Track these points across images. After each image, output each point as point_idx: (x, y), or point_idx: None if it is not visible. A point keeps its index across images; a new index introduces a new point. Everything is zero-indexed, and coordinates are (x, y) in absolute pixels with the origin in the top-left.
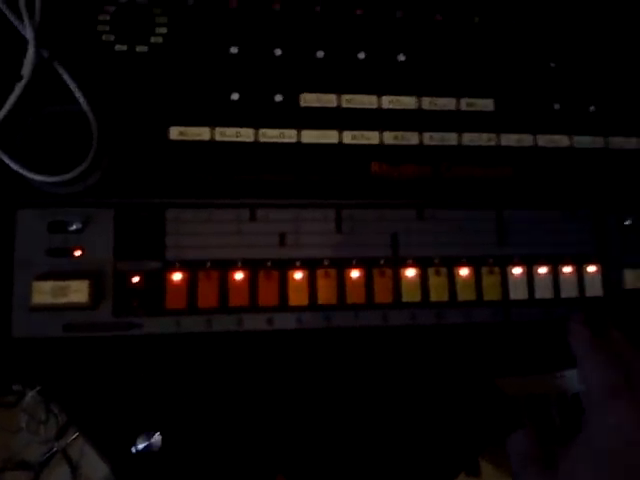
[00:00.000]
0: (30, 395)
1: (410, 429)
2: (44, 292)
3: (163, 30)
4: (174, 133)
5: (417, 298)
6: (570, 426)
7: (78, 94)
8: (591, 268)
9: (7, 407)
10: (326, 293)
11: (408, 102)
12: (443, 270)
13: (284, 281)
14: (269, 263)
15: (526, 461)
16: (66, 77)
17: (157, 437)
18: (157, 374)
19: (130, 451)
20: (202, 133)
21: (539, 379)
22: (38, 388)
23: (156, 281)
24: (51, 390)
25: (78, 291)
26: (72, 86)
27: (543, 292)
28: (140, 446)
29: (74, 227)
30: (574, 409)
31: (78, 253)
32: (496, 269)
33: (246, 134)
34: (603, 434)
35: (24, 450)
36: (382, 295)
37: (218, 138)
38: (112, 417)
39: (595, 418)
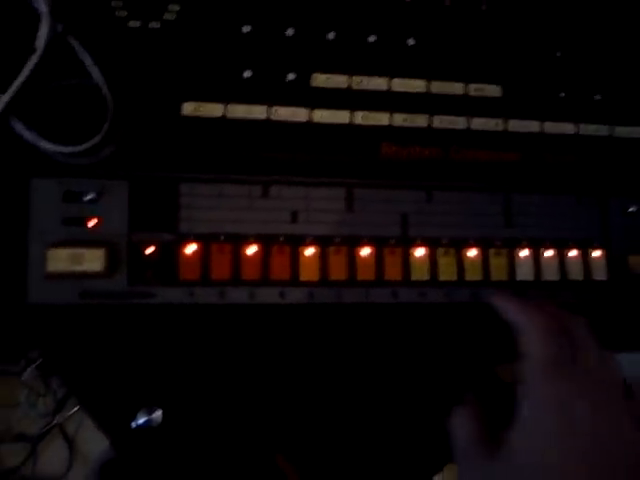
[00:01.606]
0: (31, 369)
1: (413, 408)
2: (60, 259)
3: (176, 7)
4: (187, 109)
5: (426, 277)
6: None
7: (92, 68)
8: (596, 253)
9: (11, 376)
10: (337, 269)
11: (418, 85)
12: (451, 250)
13: (295, 257)
14: (281, 238)
15: (468, 442)
16: (80, 51)
17: (158, 413)
18: (166, 346)
19: (130, 426)
20: (214, 109)
21: None
22: (38, 362)
23: (170, 253)
24: (55, 362)
25: (93, 259)
26: (86, 60)
27: (549, 274)
28: (140, 421)
29: (89, 197)
30: None
31: (93, 223)
32: (503, 251)
33: (258, 111)
34: (543, 410)
35: (22, 423)
36: (392, 273)
37: (230, 115)
38: (114, 391)
39: (536, 391)
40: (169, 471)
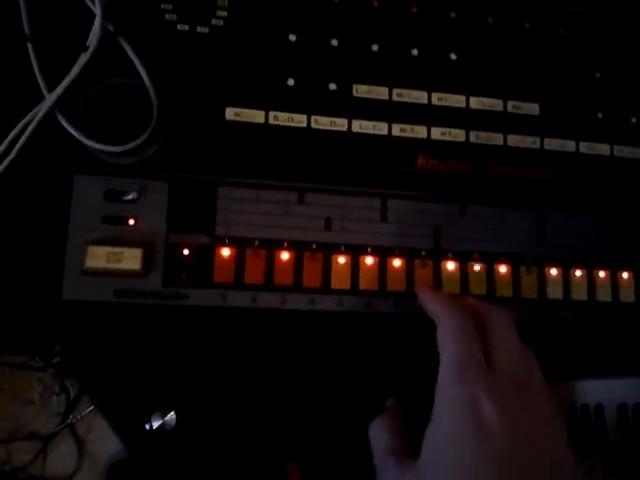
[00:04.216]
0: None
1: None
2: (98, 257)
3: (224, 13)
4: (230, 114)
5: (456, 290)
6: (578, 437)
7: (140, 69)
8: (625, 275)
9: (27, 369)
10: (368, 279)
11: (457, 100)
12: (482, 266)
13: (328, 264)
14: (314, 246)
15: (383, 455)
16: (129, 51)
17: (171, 416)
18: (192, 348)
19: (144, 428)
20: (257, 116)
21: (550, 388)
22: (56, 359)
23: (205, 255)
24: (74, 361)
25: (131, 258)
26: (135, 60)
27: (578, 294)
28: (154, 424)
29: (130, 197)
30: (583, 420)
31: (132, 222)
32: (534, 268)
33: (299, 120)
34: (452, 411)
35: (33, 422)
36: (422, 285)
37: (272, 122)
38: (130, 393)
39: (444, 392)
40: (178, 475)
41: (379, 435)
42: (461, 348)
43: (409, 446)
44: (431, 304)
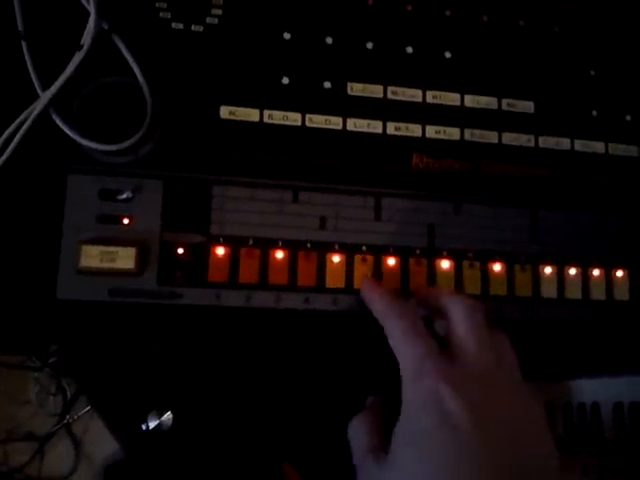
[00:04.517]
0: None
1: None
2: (92, 256)
3: (218, 12)
4: (224, 112)
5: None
6: (575, 436)
7: (135, 67)
8: (619, 273)
9: (24, 369)
10: (362, 278)
11: (452, 98)
12: (477, 264)
13: (322, 263)
14: (309, 245)
15: (362, 454)
16: (124, 50)
17: (168, 416)
18: (187, 347)
19: (140, 428)
20: (251, 114)
21: (544, 387)
22: (52, 360)
23: (200, 254)
24: (71, 361)
25: (125, 257)
26: (129, 59)
27: (572, 293)
28: (151, 424)
29: (124, 196)
30: (579, 419)
31: (126, 221)
32: (528, 267)
33: (293, 118)
34: (417, 412)
35: (30, 422)
36: (416, 283)
37: (266, 120)
38: (126, 393)
39: (407, 392)
40: (175, 475)
41: (358, 433)
42: (412, 350)
43: (384, 444)
44: (372, 303)
